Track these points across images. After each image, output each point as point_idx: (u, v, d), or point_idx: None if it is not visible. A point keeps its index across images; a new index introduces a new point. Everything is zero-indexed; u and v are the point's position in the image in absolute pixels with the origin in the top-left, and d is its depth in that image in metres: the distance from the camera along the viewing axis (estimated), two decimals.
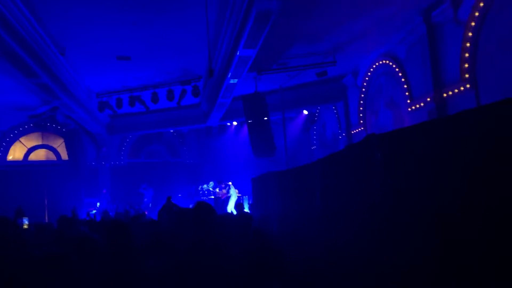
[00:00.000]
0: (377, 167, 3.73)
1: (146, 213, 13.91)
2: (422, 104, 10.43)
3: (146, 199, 18.61)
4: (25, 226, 12.04)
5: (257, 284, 2.89)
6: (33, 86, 11.62)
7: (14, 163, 18.66)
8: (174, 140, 21.31)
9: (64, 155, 19.05)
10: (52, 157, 19.36)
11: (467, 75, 8.96)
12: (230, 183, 17.04)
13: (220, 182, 17.79)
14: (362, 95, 13.96)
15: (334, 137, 16.81)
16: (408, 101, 11.08)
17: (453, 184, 2.78)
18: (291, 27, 9.88)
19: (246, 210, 11.49)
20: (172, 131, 20.32)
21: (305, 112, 18.28)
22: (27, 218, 12.89)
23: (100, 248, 3.46)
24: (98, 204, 18.06)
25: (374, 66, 12.99)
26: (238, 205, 10.25)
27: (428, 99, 10.11)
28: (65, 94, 12.29)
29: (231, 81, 11.44)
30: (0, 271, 2.99)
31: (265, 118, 13.80)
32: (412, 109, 10.90)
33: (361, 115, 14.18)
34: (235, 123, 19.08)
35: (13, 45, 8.42)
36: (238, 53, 9.43)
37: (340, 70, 13.69)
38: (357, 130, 14.51)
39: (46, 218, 15.92)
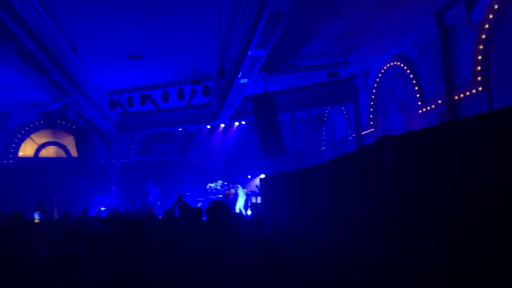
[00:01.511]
0: (389, 169, 3.71)
1: (155, 210, 13.98)
2: (433, 106, 10.36)
3: (150, 197, 18.69)
4: (36, 221, 12.20)
5: None
6: (45, 83, 11.74)
7: (25, 159, 18.84)
8: (182, 139, 21.38)
9: (74, 152, 19.23)
10: (62, 154, 19.52)
11: (479, 78, 8.88)
12: (238, 183, 17.05)
13: (229, 182, 17.84)
14: (373, 96, 13.91)
15: (343, 138, 16.76)
16: (419, 103, 11.02)
17: (466, 187, 2.77)
18: (303, 28, 9.87)
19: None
20: (180, 129, 20.38)
21: (315, 112, 18.25)
22: (38, 213, 13.06)
23: (114, 245, 3.49)
24: (108, 201, 18.18)
25: (385, 67, 12.93)
26: (252, 205, 10.24)
27: (440, 101, 10.04)
28: (76, 91, 12.38)
29: (241, 81, 11.45)
30: (11, 267, 3.01)
31: (275, 118, 13.80)
32: (423, 111, 10.84)
33: (371, 116, 14.12)
34: (243, 122, 19.11)
35: (27, 41, 8.50)
36: (249, 53, 9.43)
37: (351, 71, 13.65)
38: (367, 132, 14.45)
39: (55, 214, 16.04)
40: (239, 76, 10.94)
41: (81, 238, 4.01)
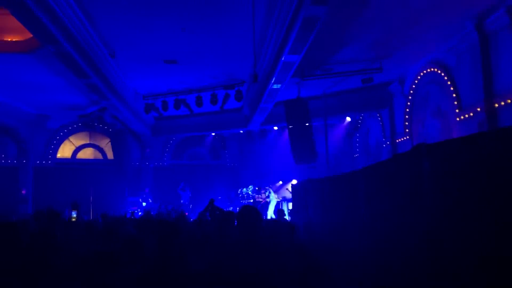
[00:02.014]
0: (426, 178, 3.60)
1: (186, 214, 14.13)
2: (471, 114, 10.04)
3: (182, 200, 18.90)
4: (73, 219, 12.59)
5: None
6: (83, 86, 12.10)
7: (63, 160, 19.46)
8: (215, 143, 21.58)
9: (110, 155, 19.72)
10: (99, 156, 20.06)
11: None
12: (269, 188, 17.02)
13: (260, 187, 17.83)
14: (408, 103, 13.62)
15: (377, 145, 16.47)
16: (457, 110, 10.71)
17: (508, 200, 2.65)
18: (338, 33, 9.80)
19: (286, 216, 11.41)
20: (214, 134, 20.59)
21: (348, 119, 18.03)
22: (75, 211, 13.44)
23: (147, 246, 3.54)
24: (144, 203, 18.51)
25: (421, 74, 12.65)
26: (279, 211, 10.18)
27: (478, 109, 9.72)
28: (113, 94, 12.70)
29: (274, 86, 11.46)
30: (52, 266, 3.09)
31: (307, 124, 13.72)
32: (460, 119, 10.53)
33: (406, 123, 13.82)
34: (275, 128, 19.10)
35: (66, 45, 8.78)
36: (282, 59, 9.43)
37: (386, 77, 13.43)
38: (402, 139, 14.16)
39: (91, 215, 16.46)
40: (272, 81, 10.96)
41: (116, 239, 4.09)
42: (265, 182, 18.37)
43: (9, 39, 10.57)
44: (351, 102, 15.31)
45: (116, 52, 10.93)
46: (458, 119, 10.64)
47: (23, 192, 17.84)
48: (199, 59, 11.75)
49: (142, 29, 9.68)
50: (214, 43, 10.53)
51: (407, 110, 13.71)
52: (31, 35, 9.36)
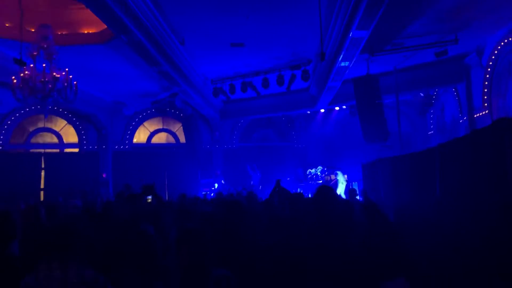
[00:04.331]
0: (509, 155, 3.37)
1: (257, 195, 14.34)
2: None
3: (253, 181, 19.18)
4: (149, 201, 13.20)
5: (378, 280, 2.81)
6: (155, 74, 12.59)
7: (139, 145, 20.49)
8: (283, 125, 21.61)
9: (182, 138, 20.49)
10: (172, 140, 20.90)
11: None
12: (339, 172, 16.77)
13: (329, 167, 17.65)
14: (488, 76, 12.71)
15: (454, 121, 15.61)
16: None
17: None
18: (409, 5, 9.31)
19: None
20: (281, 115, 20.61)
21: (421, 94, 17.23)
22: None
23: (219, 225, 3.66)
24: (216, 185, 19.06)
25: (502, 43, 11.73)
26: (351, 191, 10.00)
27: None
28: (183, 81, 13.11)
29: (342, 64, 11.18)
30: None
31: (377, 102, 13.29)
32: None
33: (485, 97, 12.94)
34: (344, 107, 18.71)
35: (139, 35, 9.15)
36: (350, 35, 9.16)
37: (462, 49, 12.61)
38: (480, 114, 13.30)
39: (166, 196, 17.20)
40: (340, 59, 10.70)
41: (194, 218, 4.27)
42: (334, 162, 18.14)
43: (85, 31, 11.21)
44: (424, 77, 14.58)
45: (185, 39, 11.21)
46: None
47: (104, 175, 19.00)
48: (265, 41, 11.74)
49: (209, 16, 9.82)
50: (279, 24, 10.45)
51: (486, 83, 12.82)
52: (105, 27, 9.86)
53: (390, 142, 14.04)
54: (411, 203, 6.21)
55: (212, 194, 17.45)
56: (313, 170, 18.67)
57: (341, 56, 10.50)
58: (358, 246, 2.81)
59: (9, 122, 17.97)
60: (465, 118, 14.30)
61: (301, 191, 16.51)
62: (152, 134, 20.80)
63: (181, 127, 20.50)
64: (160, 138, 20.91)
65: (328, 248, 2.72)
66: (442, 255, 4.70)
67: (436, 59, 12.45)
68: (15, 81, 9.53)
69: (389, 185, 7.76)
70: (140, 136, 20.69)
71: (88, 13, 8.95)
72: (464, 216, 4.19)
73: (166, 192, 17.57)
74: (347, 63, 11.14)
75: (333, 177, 16.91)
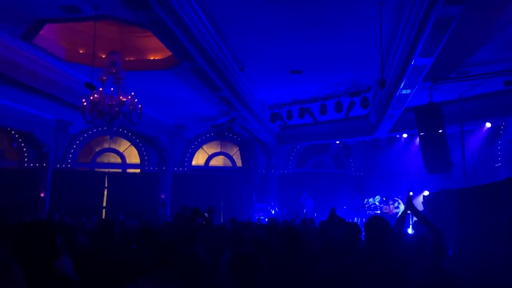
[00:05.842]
0: None
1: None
2: None
3: (306, 209, 18.93)
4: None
5: None
6: (215, 99, 12.93)
7: (197, 167, 20.94)
8: (340, 152, 21.30)
9: (239, 162, 20.74)
10: (228, 163, 21.20)
11: None
12: (398, 199, 16.20)
13: (388, 197, 17.09)
14: None
15: None
16: None
17: None
18: (475, 32, 9.00)
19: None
20: (338, 142, 20.35)
21: (488, 124, 16.38)
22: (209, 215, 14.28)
23: (274, 250, 3.64)
24: (272, 211, 19.01)
25: None
26: (416, 224, 9.56)
27: None
28: (242, 106, 13.35)
29: (403, 92, 10.93)
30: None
31: (441, 131, 12.80)
32: None
33: None
34: (405, 135, 18.17)
35: (201, 61, 9.48)
36: (412, 62, 8.96)
37: None
38: None
39: (222, 219, 17.35)
40: (401, 86, 10.47)
41: (246, 242, 4.27)
42: (393, 192, 17.53)
43: (151, 58, 11.79)
44: (492, 106, 13.91)
45: (245, 65, 11.46)
46: None
47: (163, 196, 19.52)
48: (324, 68, 11.75)
49: (269, 42, 10.00)
50: (339, 50, 10.45)
51: None
52: (170, 53, 10.31)
53: (452, 173, 13.42)
54: (477, 234, 5.87)
55: (266, 219, 17.40)
56: (371, 200, 18.15)
57: (403, 84, 10.28)
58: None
59: (77, 142, 19.04)
60: None
61: (358, 220, 16.08)
62: (210, 157, 21.23)
63: (238, 151, 20.79)
64: (218, 161, 21.29)
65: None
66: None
67: (505, 88, 11.86)
68: (85, 104, 10.05)
69: (453, 217, 7.39)
70: (199, 158, 21.17)
71: (155, 41, 9.41)
72: None
73: (221, 215, 17.74)
74: (408, 91, 10.88)
75: (392, 207, 16.33)
